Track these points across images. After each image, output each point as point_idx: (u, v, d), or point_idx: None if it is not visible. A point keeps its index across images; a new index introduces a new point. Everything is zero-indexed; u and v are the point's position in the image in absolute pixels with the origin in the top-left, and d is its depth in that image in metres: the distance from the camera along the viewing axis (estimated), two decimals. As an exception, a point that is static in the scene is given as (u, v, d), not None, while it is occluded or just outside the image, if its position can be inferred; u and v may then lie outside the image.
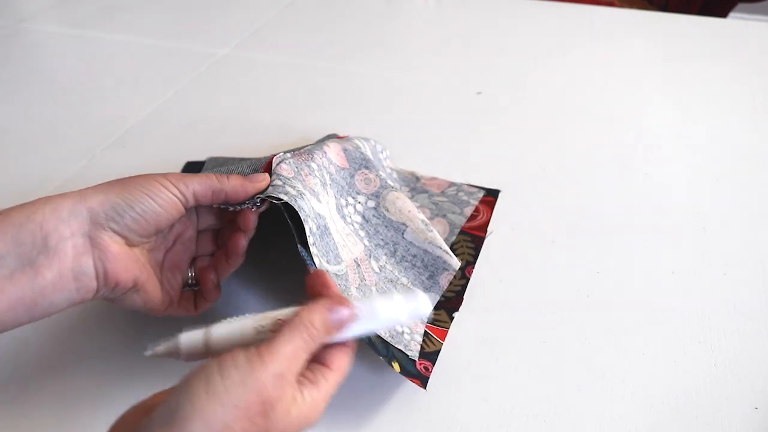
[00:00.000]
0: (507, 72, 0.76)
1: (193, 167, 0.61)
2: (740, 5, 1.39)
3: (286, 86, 0.75)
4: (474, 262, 0.49)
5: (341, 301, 0.32)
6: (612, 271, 0.48)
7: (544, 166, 0.59)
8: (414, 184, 0.57)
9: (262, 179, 0.41)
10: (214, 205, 0.41)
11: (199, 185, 0.38)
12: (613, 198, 0.55)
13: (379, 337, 0.40)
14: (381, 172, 0.50)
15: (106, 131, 0.68)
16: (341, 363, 0.32)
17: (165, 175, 0.38)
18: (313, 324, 0.31)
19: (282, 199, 0.39)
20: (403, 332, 0.42)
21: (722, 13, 1.35)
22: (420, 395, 0.40)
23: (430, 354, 0.42)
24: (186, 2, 1.00)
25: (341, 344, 0.33)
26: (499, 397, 0.40)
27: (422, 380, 0.40)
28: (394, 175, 0.57)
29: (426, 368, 0.41)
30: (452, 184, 0.57)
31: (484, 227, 0.53)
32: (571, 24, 0.87)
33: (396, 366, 0.39)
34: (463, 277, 0.48)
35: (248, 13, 0.94)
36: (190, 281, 0.42)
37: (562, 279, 0.48)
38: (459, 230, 0.52)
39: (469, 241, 0.51)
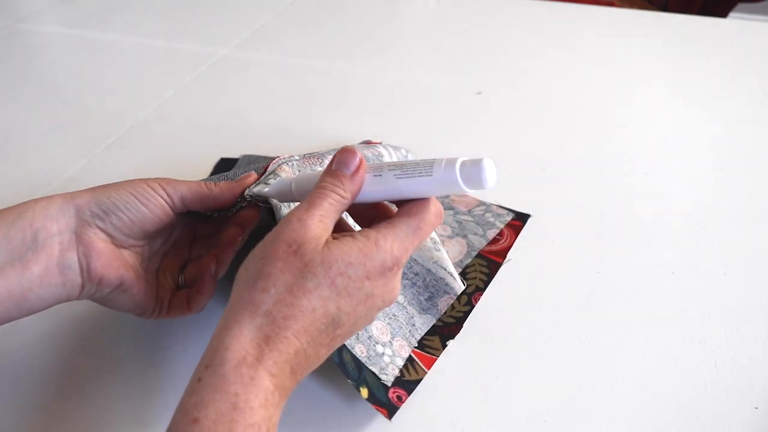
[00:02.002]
0: (507, 72, 0.76)
1: (225, 164, 0.61)
2: (740, 5, 1.39)
3: (285, 86, 0.75)
4: (484, 289, 0.47)
5: (341, 151, 0.33)
6: (612, 271, 0.48)
7: (544, 165, 0.59)
8: (442, 199, 0.54)
9: (247, 177, 0.41)
10: (207, 213, 0.41)
11: (188, 191, 0.39)
12: (613, 197, 0.55)
13: (353, 357, 0.38)
14: None
15: (106, 131, 0.68)
16: (408, 209, 0.33)
17: (155, 179, 0.39)
18: (322, 180, 0.33)
19: (269, 203, 0.39)
20: (383, 354, 0.40)
21: (722, 13, 1.35)
22: (420, 395, 0.40)
23: (408, 383, 0.40)
24: (186, 2, 1.00)
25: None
26: (499, 397, 0.40)
27: (390, 410, 0.38)
28: None
29: (399, 397, 0.39)
30: (481, 203, 0.54)
31: (503, 252, 0.50)
32: (571, 24, 0.87)
33: (364, 392, 0.37)
34: (468, 303, 0.45)
35: (248, 13, 0.94)
36: (180, 284, 0.42)
37: (561, 279, 0.47)
38: (477, 253, 0.49)
39: (485, 266, 0.48)
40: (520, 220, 0.52)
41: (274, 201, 0.39)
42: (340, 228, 0.36)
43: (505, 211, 0.53)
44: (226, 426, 0.26)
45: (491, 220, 0.52)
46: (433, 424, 0.38)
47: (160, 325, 0.45)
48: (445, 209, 0.53)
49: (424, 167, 0.32)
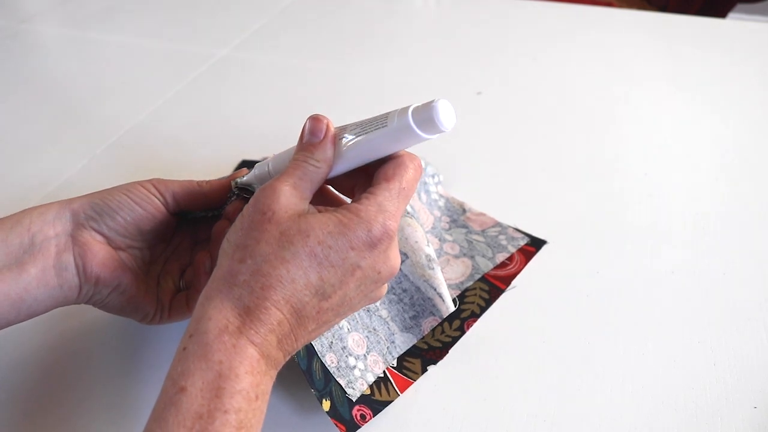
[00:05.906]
0: (507, 72, 0.76)
1: (246, 165, 0.61)
2: (740, 5, 1.39)
3: (285, 87, 0.75)
4: (479, 315, 0.45)
5: (309, 119, 0.34)
6: (612, 271, 0.48)
7: (545, 165, 0.59)
8: (456, 216, 0.53)
9: (238, 173, 0.41)
10: (200, 213, 0.41)
11: (180, 188, 0.39)
12: (613, 197, 0.55)
13: (323, 366, 0.37)
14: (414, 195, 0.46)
15: (106, 131, 0.68)
16: (384, 174, 0.32)
17: (147, 180, 0.39)
18: (295, 154, 0.33)
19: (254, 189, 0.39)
20: (354, 367, 0.39)
21: (722, 13, 1.35)
22: (421, 395, 0.40)
23: (376, 402, 0.38)
24: (186, 3, 1.00)
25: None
26: (499, 397, 0.40)
27: (349, 427, 0.36)
28: (441, 202, 0.54)
29: (363, 416, 0.37)
30: (497, 224, 0.52)
31: (509, 279, 0.47)
32: (571, 24, 0.87)
33: (326, 404, 0.36)
34: (459, 328, 0.43)
35: (248, 13, 0.94)
36: (181, 288, 0.42)
37: (562, 279, 0.48)
38: (480, 276, 0.47)
39: (486, 291, 0.46)
40: (534, 245, 0.50)
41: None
42: (331, 201, 0.37)
43: (521, 235, 0.51)
44: (212, 393, 0.27)
45: (504, 242, 0.50)
46: (432, 423, 0.38)
47: (157, 330, 0.45)
48: (458, 227, 0.52)
49: (380, 120, 0.31)
